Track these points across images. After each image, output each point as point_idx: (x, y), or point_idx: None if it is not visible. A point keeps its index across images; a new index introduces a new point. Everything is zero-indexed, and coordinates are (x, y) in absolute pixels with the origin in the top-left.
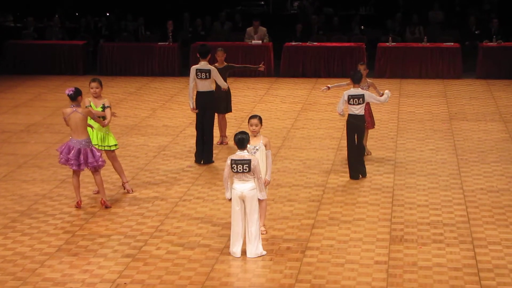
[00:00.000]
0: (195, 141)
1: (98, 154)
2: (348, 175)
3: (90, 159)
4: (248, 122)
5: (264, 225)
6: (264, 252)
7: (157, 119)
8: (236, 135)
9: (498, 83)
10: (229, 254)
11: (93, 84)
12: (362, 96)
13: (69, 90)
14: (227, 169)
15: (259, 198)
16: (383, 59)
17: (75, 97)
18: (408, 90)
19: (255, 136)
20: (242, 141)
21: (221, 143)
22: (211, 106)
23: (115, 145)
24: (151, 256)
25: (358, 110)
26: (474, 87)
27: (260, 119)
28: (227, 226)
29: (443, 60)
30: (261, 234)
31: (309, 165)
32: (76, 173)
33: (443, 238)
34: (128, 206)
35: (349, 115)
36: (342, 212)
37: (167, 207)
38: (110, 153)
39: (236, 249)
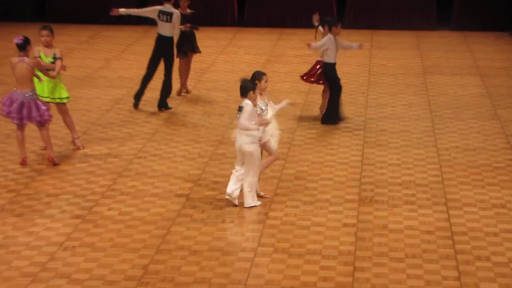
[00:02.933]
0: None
1: (43, 108)
2: (315, 131)
3: (34, 113)
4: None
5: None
6: (253, 204)
7: (112, 70)
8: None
9: (475, 35)
10: (186, 215)
11: (44, 32)
12: None
13: (17, 39)
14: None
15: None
16: (353, 10)
17: (24, 46)
18: (380, 42)
19: (260, 94)
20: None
21: (180, 93)
22: (168, 53)
23: (67, 97)
24: (102, 217)
25: None
26: (450, 39)
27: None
28: (185, 186)
29: (416, 10)
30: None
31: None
32: (20, 127)
33: (415, 200)
34: (78, 163)
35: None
36: (309, 171)
37: (120, 165)
38: (61, 106)
39: (227, 189)
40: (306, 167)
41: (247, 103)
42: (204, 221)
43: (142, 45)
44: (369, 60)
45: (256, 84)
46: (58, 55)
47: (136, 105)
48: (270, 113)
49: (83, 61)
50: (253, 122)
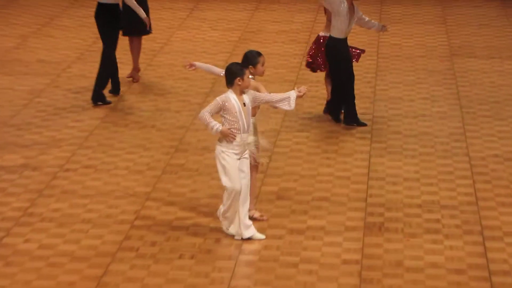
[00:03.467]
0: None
1: None
2: (305, 134)
3: None
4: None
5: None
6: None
7: (29, 51)
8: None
9: None
10: (131, 249)
11: None
12: None
13: None
14: None
15: None
16: None
17: None
18: (391, 14)
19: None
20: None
21: (132, 77)
22: (111, 23)
23: None
24: (16, 252)
25: None
26: (485, 10)
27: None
28: (129, 208)
29: None
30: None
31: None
32: None
33: (440, 227)
34: None
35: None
36: (297, 189)
37: (41, 180)
38: None
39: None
40: (293, 183)
41: (228, 96)
42: (155, 257)
43: (71, 17)
44: (377, 38)
45: (246, 69)
46: None
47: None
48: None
49: None
50: (215, 125)
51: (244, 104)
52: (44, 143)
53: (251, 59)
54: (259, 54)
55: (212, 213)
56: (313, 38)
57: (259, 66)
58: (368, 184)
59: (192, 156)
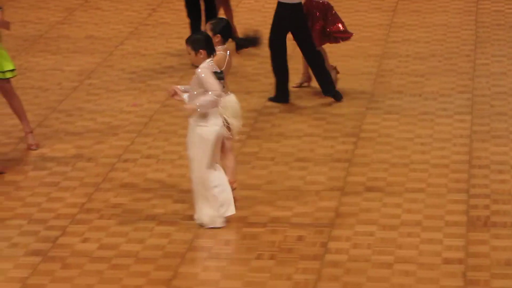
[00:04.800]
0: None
1: None
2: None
3: None
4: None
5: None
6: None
7: (77, 26)
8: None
9: None
10: (201, 249)
11: None
12: None
13: None
14: None
15: None
16: None
17: None
18: None
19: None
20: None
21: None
22: None
23: (12, 70)
24: (74, 254)
25: None
26: None
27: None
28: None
29: None
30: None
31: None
32: None
33: None
34: (33, 170)
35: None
36: (388, 179)
37: (97, 172)
38: (4, 84)
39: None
40: (383, 173)
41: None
42: (230, 257)
43: None
44: (475, 4)
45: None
46: None
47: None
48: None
49: (33, 12)
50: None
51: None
52: (99, 130)
53: None
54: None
55: (292, 207)
56: (400, 5)
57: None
58: (469, 172)
59: (266, 143)
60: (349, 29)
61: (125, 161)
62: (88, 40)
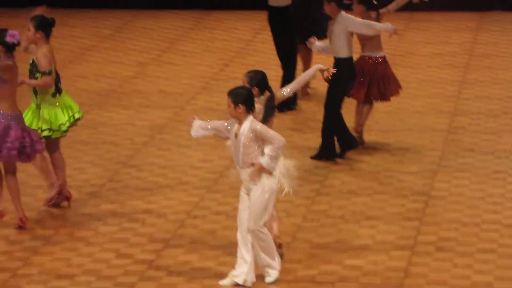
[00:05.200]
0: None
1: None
2: None
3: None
4: None
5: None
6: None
7: (149, 80)
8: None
9: None
10: None
11: (30, 25)
12: None
13: (11, 36)
14: None
15: None
16: None
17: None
18: None
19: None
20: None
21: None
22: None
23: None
24: None
25: None
26: None
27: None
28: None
29: None
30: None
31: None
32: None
33: None
34: (103, 226)
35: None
36: (459, 239)
37: (166, 229)
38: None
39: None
40: (454, 232)
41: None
42: None
43: (193, 41)
44: None
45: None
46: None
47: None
48: None
49: (106, 66)
50: None
51: (236, 135)
52: (169, 186)
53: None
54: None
55: (360, 267)
56: (472, 61)
57: None
58: None
59: (335, 201)
60: (421, 85)
61: (195, 217)
62: (160, 95)
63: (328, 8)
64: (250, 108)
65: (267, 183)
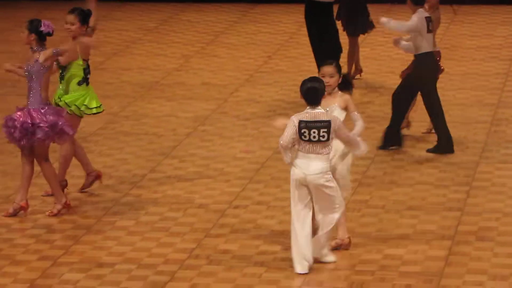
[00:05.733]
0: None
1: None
2: None
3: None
4: (319, 71)
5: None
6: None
7: (193, 73)
8: (304, 83)
9: None
10: None
11: (69, 18)
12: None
13: (47, 26)
14: (291, 132)
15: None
16: None
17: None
18: None
19: (329, 93)
20: (314, 92)
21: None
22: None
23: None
24: None
25: None
26: None
27: (337, 66)
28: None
29: None
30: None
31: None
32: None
33: None
34: (145, 215)
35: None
36: (499, 228)
37: (208, 218)
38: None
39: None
40: (495, 222)
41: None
42: None
43: (238, 34)
44: None
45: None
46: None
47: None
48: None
49: (150, 59)
50: None
51: None
52: (211, 176)
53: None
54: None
55: (401, 256)
56: None
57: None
58: None
59: (377, 191)
60: (465, 78)
61: (236, 207)
62: (203, 87)
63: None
64: None
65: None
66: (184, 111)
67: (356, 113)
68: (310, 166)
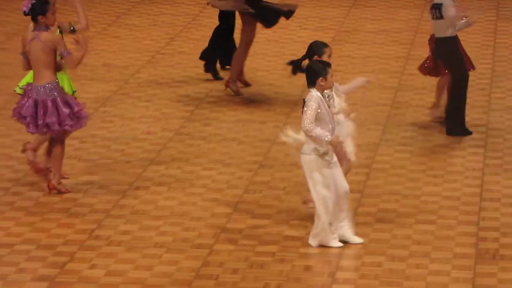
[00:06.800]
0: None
1: (65, 110)
2: (409, 148)
3: (49, 118)
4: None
5: None
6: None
7: (94, 53)
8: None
9: None
10: (209, 277)
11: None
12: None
13: (25, 5)
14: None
15: None
16: None
17: (35, 15)
18: (511, 11)
19: None
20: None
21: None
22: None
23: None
24: (81, 280)
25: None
26: None
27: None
28: (206, 232)
29: None
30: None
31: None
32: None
33: None
34: (44, 196)
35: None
36: (399, 210)
37: (108, 199)
38: None
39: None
40: (395, 204)
41: (312, 95)
42: (237, 285)
43: (140, 15)
44: (493, 38)
45: (330, 67)
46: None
47: None
48: (337, 105)
49: None
50: (327, 136)
51: (329, 106)
52: (111, 157)
53: (316, 50)
54: (325, 45)
55: (301, 238)
56: (418, 38)
57: (324, 57)
58: (480, 205)
59: (278, 173)
60: (366, 61)
61: (137, 188)
62: (105, 68)
63: None
64: None
65: None
66: (85, 92)
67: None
68: None
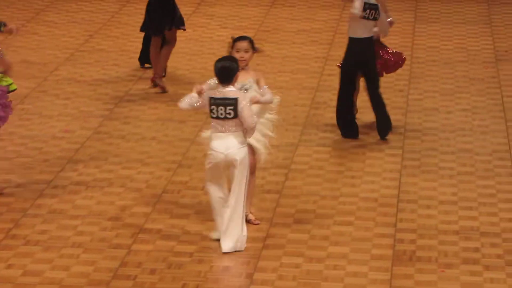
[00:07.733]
0: None
1: None
2: (327, 149)
3: None
4: (233, 46)
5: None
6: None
7: (12, 50)
8: (217, 61)
9: None
10: (126, 278)
11: None
12: (377, 8)
13: None
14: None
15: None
16: None
17: None
18: (429, 12)
19: (242, 69)
20: (227, 71)
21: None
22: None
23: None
24: None
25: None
26: None
27: (251, 42)
28: (124, 232)
29: None
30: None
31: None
32: None
33: (479, 257)
34: None
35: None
36: (317, 211)
37: (25, 198)
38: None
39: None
40: (313, 205)
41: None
42: (155, 286)
43: (59, 12)
44: (411, 39)
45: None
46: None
47: None
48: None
49: None
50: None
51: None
52: (29, 156)
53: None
54: (240, 38)
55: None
56: (337, 38)
57: (233, 51)
58: (398, 207)
59: (197, 172)
60: (285, 61)
61: (54, 187)
62: (23, 65)
63: None
64: None
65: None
66: None
67: (266, 87)
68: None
